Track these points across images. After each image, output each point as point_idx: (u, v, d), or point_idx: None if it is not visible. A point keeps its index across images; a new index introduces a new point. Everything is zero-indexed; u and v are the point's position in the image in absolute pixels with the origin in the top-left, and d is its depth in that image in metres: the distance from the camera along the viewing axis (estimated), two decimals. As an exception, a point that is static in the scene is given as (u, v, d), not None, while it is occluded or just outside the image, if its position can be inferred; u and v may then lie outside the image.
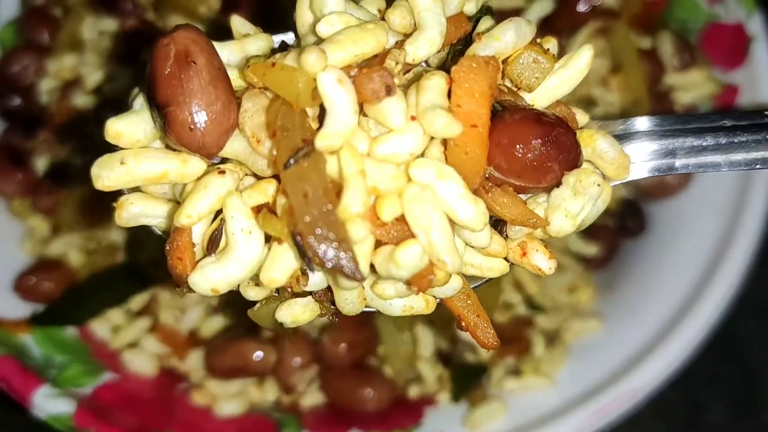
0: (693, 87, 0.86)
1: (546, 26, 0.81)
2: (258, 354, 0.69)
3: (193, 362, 0.74)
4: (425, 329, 0.74)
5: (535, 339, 0.75)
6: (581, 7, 0.80)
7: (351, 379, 0.71)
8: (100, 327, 0.75)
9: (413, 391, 0.73)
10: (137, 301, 0.75)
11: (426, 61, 0.43)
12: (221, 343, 0.70)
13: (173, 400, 0.71)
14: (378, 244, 0.38)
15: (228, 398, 0.71)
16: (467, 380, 0.73)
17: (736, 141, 0.48)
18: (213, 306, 0.74)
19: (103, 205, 0.78)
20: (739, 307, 0.81)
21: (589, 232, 0.82)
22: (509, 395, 0.71)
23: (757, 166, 0.48)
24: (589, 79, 0.80)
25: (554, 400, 0.70)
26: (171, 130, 0.38)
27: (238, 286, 0.40)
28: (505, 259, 0.43)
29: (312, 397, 0.74)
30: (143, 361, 0.73)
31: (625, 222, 0.84)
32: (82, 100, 0.82)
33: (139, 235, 0.77)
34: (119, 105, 0.76)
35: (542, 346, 0.75)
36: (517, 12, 0.82)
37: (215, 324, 0.73)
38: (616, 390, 0.68)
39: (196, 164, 0.39)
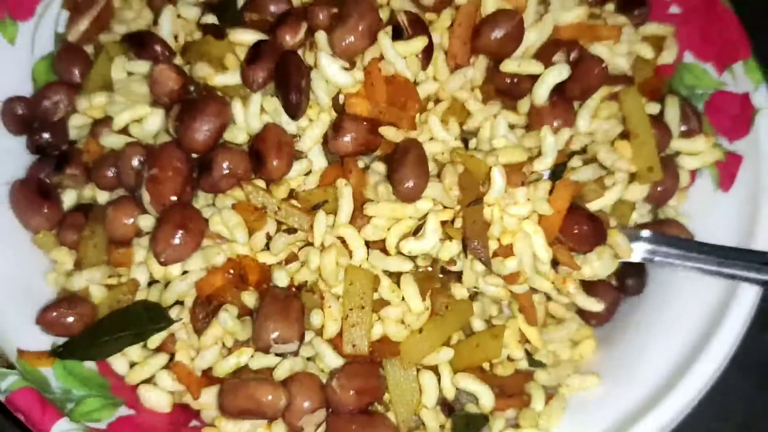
0: (698, 153, 0.89)
1: (562, 90, 0.85)
2: (269, 397, 0.71)
3: (207, 401, 0.76)
4: (431, 379, 0.77)
5: (535, 394, 0.78)
6: (596, 71, 0.83)
7: (358, 424, 0.73)
8: (119, 362, 0.78)
9: (417, 438, 0.76)
10: (155, 338, 0.77)
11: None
12: (234, 384, 0.73)
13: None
14: (494, 255, 0.77)
15: (238, 438, 0.74)
16: (468, 430, 0.75)
17: (694, 255, 0.81)
18: (227, 347, 0.77)
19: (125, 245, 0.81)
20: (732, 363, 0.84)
21: (593, 289, 0.85)
22: (508, 448, 0.74)
23: (699, 273, 0.82)
24: (599, 140, 0.83)
25: (552, 456, 0.72)
26: (398, 191, 0.76)
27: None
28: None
29: (320, 441, 0.76)
30: (158, 397, 0.76)
31: (625, 280, 0.87)
32: (110, 140, 0.85)
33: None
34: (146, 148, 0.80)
35: (542, 402, 0.77)
36: (533, 79, 0.85)
37: (229, 365, 0.75)
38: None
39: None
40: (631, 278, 0.87)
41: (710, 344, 0.76)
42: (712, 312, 0.79)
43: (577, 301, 0.84)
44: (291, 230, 0.79)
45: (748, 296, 0.78)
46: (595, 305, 0.84)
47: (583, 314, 0.86)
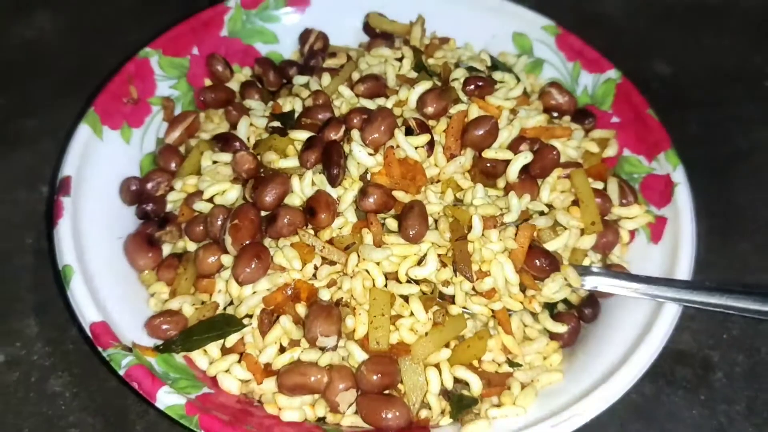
0: (634, 217, 1.19)
1: (528, 171, 1.17)
2: (317, 375, 0.97)
3: (267, 387, 1.02)
4: (434, 373, 1.02)
5: (514, 384, 1.03)
6: (551, 155, 1.15)
7: (380, 402, 0.97)
8: (201, 359, 1.05)
9: (423, 414, 1.00)
10: (231, 338, 1.04)
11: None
12: (291, 366, 0.98)
13: (252, 407, 0.99)
14: (477, 278, 1.04)
15: (291, 409, 0.98)
16: (462, 406, 0.99)
17: (629, 284, 1.10)
18: (282, 345, 1.04)
19: (209, 278, 1.10)
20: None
21: (560, 317, 1.12)
22: (492, 418, 0.98)
23: (639, 297, 1.09)
24: (557, 207, 1.14)
25: (524, 420, 0.97)
26: (406, 235, 1.06)
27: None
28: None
29: (350, 419, 1.00)
30: (231, 381, 1.02)
31: (584, 311, 1.14)
32: (200, 206, 1.16)
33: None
34: (228, 210, 1.09)
35: (519, 389, 1.02)
36: (507, 162, 1.17)
37: (285, 358, 1.02)
38: (567, 413, 0.95)
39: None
40: (587, 309, 1.13)
41: (641, 347, 1.02)
42: (645, 323, 1.05)
43: (545, 325, 1.11)
44: (332, 263, 1.08)
45: (670, 311, 1.05)
46: (559, 328, 1.10)
47: (553, 338, 1.12)
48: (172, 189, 1.23)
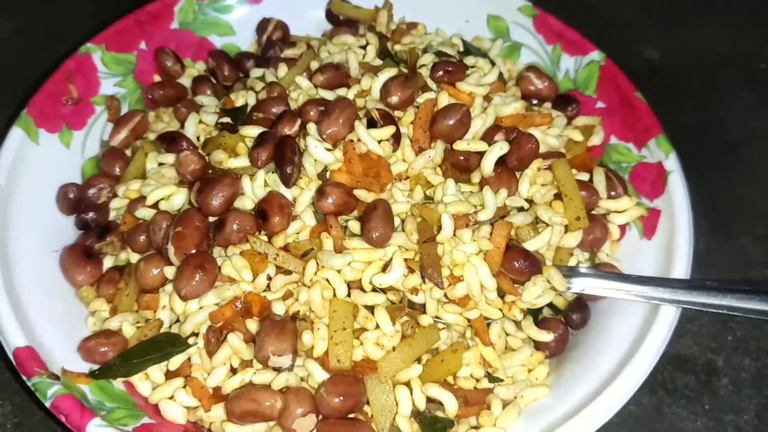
0: (625, 211, 1.08)
1: (503, 163, 1.05)
2: (269, 401, 0.86)
3: (216, 414, 0.90)
4: (405, 392, 0.91)
5: (494, 402, 0.92)
6: (529, 145, 1.03)
7: (344, 427, 0.86)
8: (143, 385, 0.93)
9: (393, 441, 0.89)
10: (175, 360, 0.93)
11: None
12: (240, 391, 0.87)
13: (198, 439, 0.88)
14: (449, 285, 0.94)
15: (242, 440, 0.87)
16: (436, 429, 0.88)
17: (622, 285, 0.99)
18: (233, 367, 0.92)
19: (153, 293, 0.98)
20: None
21: (545, 324, 1.01)
22: (470, 443, 0.87)
23: (633, 299, 0.97)
24: (538, 202, 1.03)
25: (506, 445, 0.85)
26: (369, 239, 0.94)
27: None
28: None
29: (310, 447, 0.89)
30: (175, 410, 0.90)
31: (571, 316, 1.02)
32: (143, 213, 1.05)
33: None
34: (172, 216, 0.98)
35: (500, 408, 0.91)
36: (481, 154, 1.06)
37: (236, 381, 0.90)
38: (554, 436, 0.84)
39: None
40: (575, 314, 1.02)
41: (636, 355, 0.90)
42: (640, 328, 0.94)
43: (529, 333, 0.99)
44: (287, 272, 0.97)
45: (668, 314, 0.93)
46: (545, 336, 0.99)
47: (539, 348, 1.01)
48: (115, 195, 1.11)
